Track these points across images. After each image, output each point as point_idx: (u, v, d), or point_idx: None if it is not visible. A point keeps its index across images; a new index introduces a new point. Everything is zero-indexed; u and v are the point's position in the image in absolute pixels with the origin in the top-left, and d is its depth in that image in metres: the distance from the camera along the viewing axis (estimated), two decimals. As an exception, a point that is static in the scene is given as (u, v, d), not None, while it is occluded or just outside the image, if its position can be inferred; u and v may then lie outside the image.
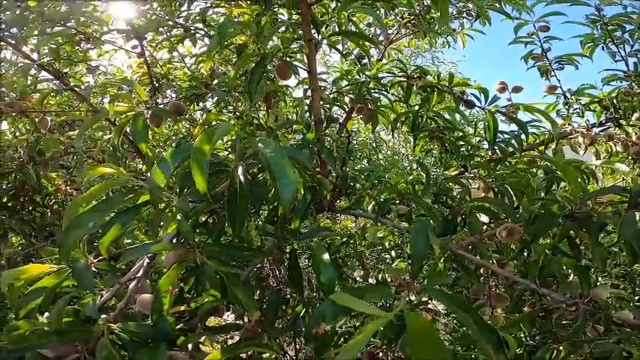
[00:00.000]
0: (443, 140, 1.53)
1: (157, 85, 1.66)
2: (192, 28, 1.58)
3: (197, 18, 1.56)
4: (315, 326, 0.53)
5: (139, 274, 0.62)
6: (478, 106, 1.30)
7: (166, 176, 0.56)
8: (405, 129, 1.79)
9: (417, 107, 1.53)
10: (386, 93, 1.51)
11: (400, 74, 1.47)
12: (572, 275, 0.92)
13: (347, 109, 1.53)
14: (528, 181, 1.07)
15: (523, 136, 1.37)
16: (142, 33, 1.54)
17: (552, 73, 1.66)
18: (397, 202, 1.27)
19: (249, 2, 1.26)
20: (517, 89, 1.58)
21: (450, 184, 1.37)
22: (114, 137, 0.87)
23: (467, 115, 1.83)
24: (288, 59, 0.98)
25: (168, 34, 1.63)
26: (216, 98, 1.50)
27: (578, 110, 1.52)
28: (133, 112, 0.88)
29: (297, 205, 0.84)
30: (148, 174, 0.64)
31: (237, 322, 1.07)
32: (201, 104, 1.41)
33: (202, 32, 1.59)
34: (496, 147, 1.38)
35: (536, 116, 1.25)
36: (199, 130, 0.79)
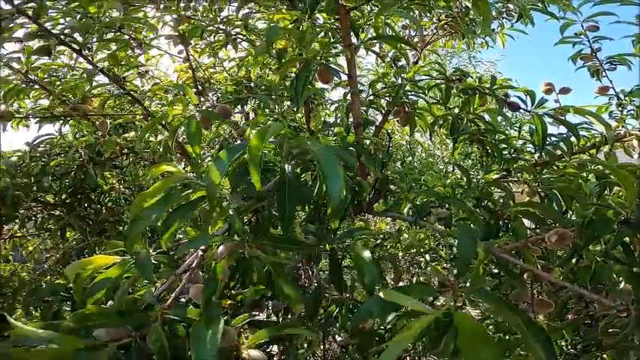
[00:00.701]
0: (484, 143, 1.50)
1: (200, 89, 1.74)
2: (233, 33, 1.65)
3: (238, 23, 1.63)
4: (362, 322, 0.54)
5: (194, 266, 0.66)
6: (523, 109, 1.26)
7: (222, 174, 0.60)
8: (443, 131, 1.77)
9: (456, 110, 1.50)
10: (424, 95, 1.51)
11: (438, 76, 1.46)
12: (623, 283, 0.88)
13: (383, 112, 1.54)
14: (579, 185, 1.03)
15: (572, 139, 1.32)
16: (188, 38, 1.62)
17: (603, 74, 1.59)
18: (436, 205, 1.26)
19: (287, 8, 1.30)
20: (565, 90, 1.52)
21: (491, 187, 1.34)
22: (169, 139, 0.93)
23: (509, 117, 1.78)
24: (327, 63, 1.01)
25: (211, 39, 1.71)
26: (254, 102, 1.56)
27: (632, 112, 1.44)
28: (187, 115, 0.94)
29: (338, 205, 0.85)
30: (194, 173, 0.68)
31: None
32: (240, 107, 1.47)
33: (242, 37, 1.66)
34: (543, 151, 1.33)
35: (587, 118, 1.19)
36: (250, 131, 0.83)
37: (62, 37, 1.20)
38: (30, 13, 1.22)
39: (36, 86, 1.30)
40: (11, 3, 1.20)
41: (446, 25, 1.83)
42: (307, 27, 1.09)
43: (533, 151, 1.53)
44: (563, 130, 1.37)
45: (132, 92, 1.25)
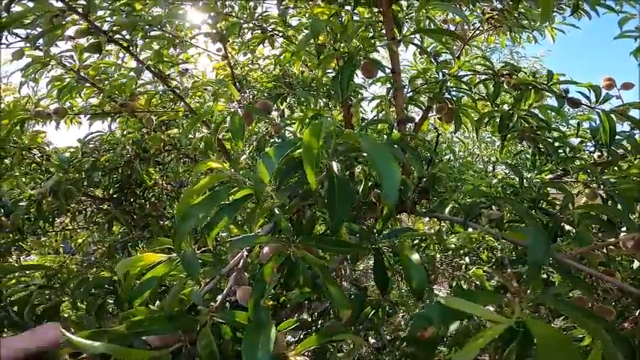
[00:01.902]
0: (536, 141, 1.41)
1: (238, 86, 1.75)
2: (269, 29, 1.64)
3: (272, 19, 1.62)
4: (421, 330, 0.50)
5: (239, 266, 0.65)
6: (586, 105, 1.16)
7: (270, 172, 0.58)
8: (488, 129, 1.68)
9: (504, 106, 1.42)
10: (469, 91, 1.43)
11: (485, 72, 1.38)
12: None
13: (423, 108, 1.48)
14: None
15: (637, 137, 1.20)
16: (226, 36, 1.63)
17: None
18: (487, 206, 1.19)
19: (325, 2, 1.27)
20: (627, 86, 1.38)
21: (547, 189, 1.25)
22: (212, 135, 0.93)
23: (565, 113, 1.66)
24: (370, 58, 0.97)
25: (248, 36, 1.71)
26: (292, 98, 1.55)
27: None
28: (229, 111, 0.93)
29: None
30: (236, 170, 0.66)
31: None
32: (279, 104, 1.46)
33: (279, 33, 1.65)
34: (603, 149, 1.22)
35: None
36: (298, 127, 0.81)
37: (110, 34, 1.24)
38: (80, 10, 1.27)
39: (87, 84, 1.36)
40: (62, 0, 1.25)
41: (491, 19, 1.73)
42: (348, 20, 1.05)
43: (591, 149, 1.41)
44: (625, 127, 1.26)
45: (175, 89, 1.27)
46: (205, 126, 1.42)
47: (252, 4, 1.64)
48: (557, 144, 1.37)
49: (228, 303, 0.72)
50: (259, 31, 1.67)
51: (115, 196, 1.67)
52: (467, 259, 2.30)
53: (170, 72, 1.51)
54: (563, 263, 0.80)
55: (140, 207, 1.81)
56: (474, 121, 1.44)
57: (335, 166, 0.64)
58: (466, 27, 1.88)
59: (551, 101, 1.42)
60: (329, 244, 0.65)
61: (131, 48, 1.20)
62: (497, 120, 1.41)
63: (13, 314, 1.23)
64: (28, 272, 1.39)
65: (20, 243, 1.36)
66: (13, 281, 1.29)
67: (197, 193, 0.62)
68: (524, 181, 1.29)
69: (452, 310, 0.47)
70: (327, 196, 0.60)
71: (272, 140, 1.62)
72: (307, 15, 1.45)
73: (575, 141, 1.50)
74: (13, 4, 1.35)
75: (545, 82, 1.23)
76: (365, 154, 0.63)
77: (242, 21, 1.62)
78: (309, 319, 1.08)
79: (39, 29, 1.38)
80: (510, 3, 1.75)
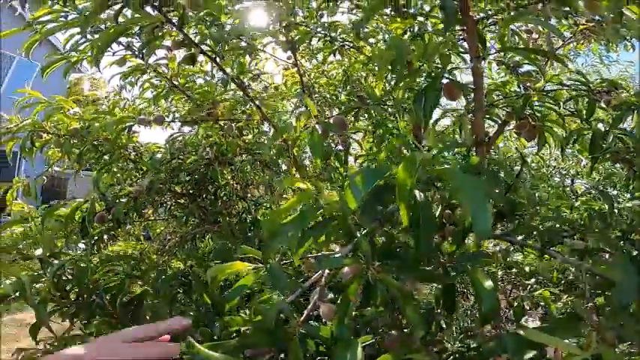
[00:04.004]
0: (632, 163, 1.27)
1: (307, 94, 1.80)
2: (339, 39, 1.66)
3: (340, 27, 1.63)
4: (493, 358, 0.50)
5: (322, 283, 0.68)
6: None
7: (358, 200, 0.59)
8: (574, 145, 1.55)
9: (599, 124, 1.30)
10: (556, 107, 1.33)
11: (575, 86, 1.28)
12: None
13: (499, 122, 1.41)
14: None
15: None
16: (297, 44, 1.69)
17: None
18: (569, 235, 1.11)
19: (399, 16, 1.25)
20: None
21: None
22: (290, 149, 0.98)
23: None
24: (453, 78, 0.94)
25: (316, 42, 1.75)
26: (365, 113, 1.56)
27: None
28: (308, 126, 0.97)
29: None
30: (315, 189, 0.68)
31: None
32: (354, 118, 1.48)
33: (350, 44, 1.65)
34: None
35: None
36: (368, 140, 0.81)
37: (202, 46, 1.35)
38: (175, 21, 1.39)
39: (177, 90, 1.49)
40: (160, 11, 1.38)
41: (585, 30, 1.59)
42: (430, 38, 1.03)
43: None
44: None
45: (253, 99, 1.35)
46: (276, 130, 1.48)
47: (319, 13, 1.67)
48: (658, 169, 1.23)
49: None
50: (328, 41, 1.69)
51: (191, 192, 1.82)
52: (532, 280, 2.15)
53: (247, 81, 1.59)
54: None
55: (211, 203, 1.94)
56: (560, 140, 1.34)
57: (419, 195, 0.64)
58: (553, 37, 1.74)
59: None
60: (411, 272, 0.65)
61: (218, 59, 1.29)
62: (588, 138, 1.30)
63: (105, 301, 1.40)
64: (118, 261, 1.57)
65: (113, 232, 1.54)
66: (106, 269, 1.47)
67: (285, 212, 0.66)
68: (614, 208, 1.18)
69: (528, 340, 0.47)
70: (412, 224, 0.61)
71: (337, 148, 1.65)
72: (380, 27, 1.45)
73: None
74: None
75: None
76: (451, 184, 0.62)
77: (311, 30, 1.66)
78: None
79: (137, 37, 1.54)
80: (611, 16, 1.59)
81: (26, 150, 1.47)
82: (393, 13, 1.27)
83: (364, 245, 0.67)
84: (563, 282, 1.99)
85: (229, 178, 1.84)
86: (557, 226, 1.12)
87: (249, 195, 2.09)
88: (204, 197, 1.91)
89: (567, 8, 1.16)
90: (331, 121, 1.05)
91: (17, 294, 1.36)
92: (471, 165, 0.99)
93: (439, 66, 1.04)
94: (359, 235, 0.68)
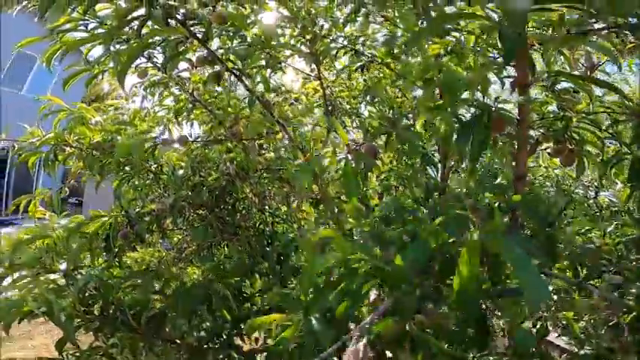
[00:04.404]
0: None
1: (330, 108, 1.76)
2: (368, 54, 1.61)
3: (368, 40, 1.57)
4: None
5: (364, 341, 0.65)
6: None
7: (422, 262, 0.56)
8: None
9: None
10: (596, 130, 1.27)
11: (623, 110, 1.21)
12: None
13: (531, 143, 1.35)
14: None
15: None
16: (321, 57, 1.64)
17: None
18: (609, 270, 1.06)
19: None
20: None
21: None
22: (318, 180, 0.94)
23: None
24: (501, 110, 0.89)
25: (341, 58, 1.70)
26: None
27: None
28: (338, 157, 0.93)
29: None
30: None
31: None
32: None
33: (376, 59, 1.60)
34: None
35: None
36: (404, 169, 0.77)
37: (227, 62, 1.31)
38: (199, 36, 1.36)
39: (198, 105, 1.47)
40: (184, 25, 1.34)
41: (633, 49, 1.51)
42: (474, 61, 0.98)
43: None
44: None
45: (279, 120, 1.31)
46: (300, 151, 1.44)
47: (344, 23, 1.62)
48: None
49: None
50: (354, 54, 1.64)
51: (210, 204, 1.80)
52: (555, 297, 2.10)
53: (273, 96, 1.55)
54: None
55: (228, 214, 1.92)
56: (599, 165, 1.27)
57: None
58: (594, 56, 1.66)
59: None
60: (457, 337, 0.62)
61: (243, 77, 1.25)
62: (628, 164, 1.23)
63: (129, 318, 1.40)
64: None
65: (134, 245, 1.53)
66: (129, 283, 1.47)
67: (317, 270, 0.63)
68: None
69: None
70: (458, 291, 0.57)
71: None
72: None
73: None
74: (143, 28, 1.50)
75: None
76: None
77: (336, 43, 1.61)
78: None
79: (159, 48, 1.51)
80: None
81: (49, 164, 1.47)
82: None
83: (407, 302, 0.64)
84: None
85: (247, 191, 1.82)
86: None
87: (266, 207, 2.06)
88: (222, 208, 1.89)
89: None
90: (362, 149, 1.01)
91: (43, 309, 1.37)
92: (513, 204, 0.94)
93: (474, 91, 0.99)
94: (402, 289, 0.64)
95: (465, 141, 0.79)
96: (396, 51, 1.35)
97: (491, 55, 1.06)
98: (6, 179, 10.78)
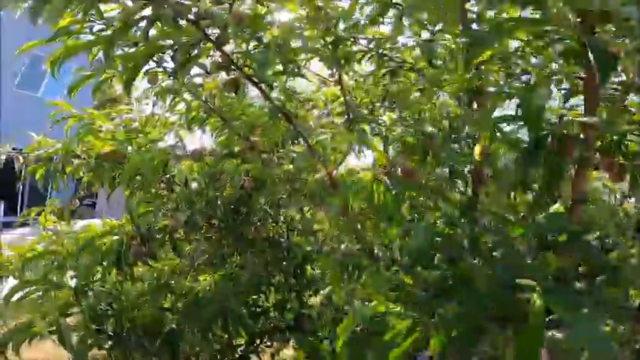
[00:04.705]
0: None
1: (351, 116, 1.65)
2: (396, 59, 1.49)
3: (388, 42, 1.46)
4: None
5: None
6: None
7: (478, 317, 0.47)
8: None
9: None
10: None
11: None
12: None
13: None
14: None
15: None
16: (344, 61, 1.53)
17: None
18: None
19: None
20: None
21: None
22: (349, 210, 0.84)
23: None
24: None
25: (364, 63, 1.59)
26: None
27: None
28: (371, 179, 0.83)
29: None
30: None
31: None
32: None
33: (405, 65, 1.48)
34: None
35: None
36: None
37: (245, 68, 1.22)
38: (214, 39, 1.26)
39: (213, 113, 1.37)
40: (197, 25, 1.24)
41: None
42: (538, 76, 0.86)
43: None
44: None
45: (301, 131, 1.21)
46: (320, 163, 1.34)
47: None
48: None
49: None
50: (379, 57, 1.53)
51: (223, 216, 1.71)
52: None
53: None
54: None
55: (241, 224, 1.82)
56: (653, 184, 1.15)
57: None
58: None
59: None
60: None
61: (262, 86, 1.16)
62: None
63: (143, 337, 1.33)
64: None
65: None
66: (142, 299, 1.40)
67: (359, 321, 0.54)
68: None
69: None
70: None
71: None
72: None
73: None
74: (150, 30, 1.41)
75: None
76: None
77: (357, 44, 1.49)
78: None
79: (170, 51, 1.42)
80: None
81: (57, 176, 1.39)
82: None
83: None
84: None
85: (263, 202, 1.73)
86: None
87: (281, 217, 1.97)
88: (236, 220, 1.80)
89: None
90: (400, 172, 0.90)
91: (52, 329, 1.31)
92: (573, 234, 0.83)
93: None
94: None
95: (532, 167, 0.68)
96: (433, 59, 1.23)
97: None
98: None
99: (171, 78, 1.35)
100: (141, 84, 1.66)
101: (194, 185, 1.40)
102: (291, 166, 1.36)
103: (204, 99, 1.35)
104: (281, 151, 1.36)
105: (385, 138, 1.25)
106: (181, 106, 1.60)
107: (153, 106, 1.75)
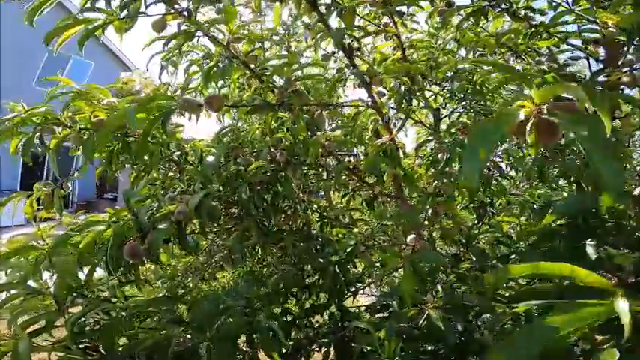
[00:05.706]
0: None
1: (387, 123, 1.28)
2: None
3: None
4: None
5: None
6: None
7: None
8: None
9: None
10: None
11: None
12: None
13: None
14: None
15: None
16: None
17: None
18: None
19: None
20: None
21: None
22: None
23: None
24: None
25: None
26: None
27: None
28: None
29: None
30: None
31: None
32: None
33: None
34: None
35: None
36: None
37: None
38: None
39: (237, 63, 1.02)
40: None
41: None
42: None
43: None
44: None
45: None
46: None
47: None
48: None
49: None
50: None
51: (246, 201, 1.37)
52: None
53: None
54: None
55: (264, 212, 1.45)
56: None
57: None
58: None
59: None
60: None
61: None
62: None
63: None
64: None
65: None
66: (141, 318, 1.07)
67: None
68: None
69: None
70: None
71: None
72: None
73: None
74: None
75: None
76: None
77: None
78: None
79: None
80: None
81: (30, 150, 1.07)
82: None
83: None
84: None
85: (294, 185, 1.37)
86: None
87: (313, 205, 1.62)
88: (261, 208, 1.45)
89: None
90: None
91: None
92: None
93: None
94: None
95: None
96: None
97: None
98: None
99: (183, 16, 1.00)
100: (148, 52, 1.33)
101: (210, 159, 1.04)
102: (338, 132, 1.00)
103: (224, 43, 1.01)
104: (332, 105, 1.00)
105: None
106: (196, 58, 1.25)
107: (161, 71, 1.42)
